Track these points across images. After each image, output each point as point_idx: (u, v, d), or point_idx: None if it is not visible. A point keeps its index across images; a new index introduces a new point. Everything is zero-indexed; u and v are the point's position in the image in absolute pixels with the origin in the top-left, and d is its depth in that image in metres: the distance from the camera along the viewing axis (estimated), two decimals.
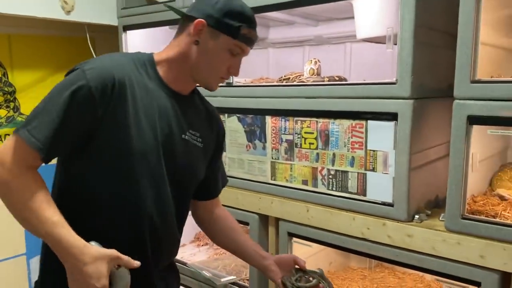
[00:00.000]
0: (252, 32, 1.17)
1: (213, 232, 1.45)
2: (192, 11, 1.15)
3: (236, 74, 1.22)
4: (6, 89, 2.70)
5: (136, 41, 2.56)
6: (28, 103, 2.78)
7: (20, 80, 2.76)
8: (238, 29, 1.12)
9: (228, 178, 1.81)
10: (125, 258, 1.02)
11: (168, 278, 1.32)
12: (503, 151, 1.89)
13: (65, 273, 1.01)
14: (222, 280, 2.11)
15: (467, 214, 1.46)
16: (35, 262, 2.92)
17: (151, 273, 1.20)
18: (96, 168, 1.10)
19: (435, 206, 1.73)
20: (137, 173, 1.10)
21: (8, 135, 2.71)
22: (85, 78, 1.03)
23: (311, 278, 1.35)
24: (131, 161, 1.10)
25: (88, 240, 1.02)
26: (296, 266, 1.38)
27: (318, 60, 1.97)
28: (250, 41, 1.17)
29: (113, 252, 1.01)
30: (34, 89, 2.80)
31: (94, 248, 0.99)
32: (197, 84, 1.26)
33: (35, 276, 2.99)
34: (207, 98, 1.39)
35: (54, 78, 2.87)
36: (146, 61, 1.18)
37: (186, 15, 1.16)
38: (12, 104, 2.73)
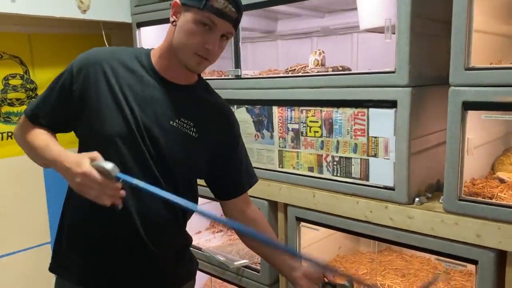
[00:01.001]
0: (221, 2, 1.14)
1: (249, 238, 1.41)
2: None
3: (213, 50, 1.17)
4: (28, 86, 2.84)
5: (149, 37, 2.66)
6: None
7: (41, 77, 2.89)
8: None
9: None
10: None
11: (182, 266, 1.39)
12: (506, 136, 1.93)
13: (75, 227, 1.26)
14: (235, 263, 2.22)
15: (464, 196, 1.52)
16: None
17: (157, 257, 1.27)
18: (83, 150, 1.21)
19: (437, 189, 1.80)
20: (111, 155, 1.15)
21: None
22: (73, 62, 1.24)
23: None
24: (104, 143, 1.19)
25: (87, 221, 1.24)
26: (325, 280, 1.30)
27: (323, 51, 2.03)
28: (219, 12, 1.14)
29: (92, 152, 1.11)
30: None
31: (78, 154, 1.14)
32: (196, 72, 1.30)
33: None
34: (217, 91, 1.42)
35: None
36: (143, 54, 1.27)
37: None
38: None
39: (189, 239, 1.42)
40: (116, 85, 1.20)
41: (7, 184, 2.79)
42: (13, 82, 2.77)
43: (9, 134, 2.78)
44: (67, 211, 1.33)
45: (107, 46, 2.81)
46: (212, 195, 1.46)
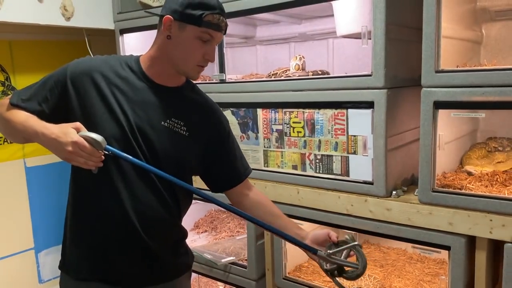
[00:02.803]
0: (217, 17, 1.23)
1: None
2: (163, 10, 1.29)
3: (212, 60, 1.30)
4: (9, 92, 2.84)
5: (132, 44, 2.72)
6: None
7: (22, 84, 2.87)
8: (200, 17, 1.21)
9: None
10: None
11: (179, 257, 1.46)
12: (472, 133, 2.09)
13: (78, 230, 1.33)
14: (223, 260, 2.30)
15: (437, 188, 1.66)
16: (43, 256, 3.08)
17: (154, 250, 1.34)
18: None
19: (411, 183, 1.94)
20: (107, 156, 1.22)
21: None
22: (67, 65, 1.31)
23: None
24: None
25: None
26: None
27: (303, 56, 2.15)
28: (216, 26, 1.24)
29: (75, 123, 1.20)
30: None
31: (61, 125, 1.21)
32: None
33: (43, 270, 3.15)
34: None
35: None
36: (133, 61, 1.35)
37: (159, 15, 1.30)
38: None
39: (184, 232, 1.49)
40: (108, 91, 1.27)
41: None
42: None
43: None
44: (69, 210, 1.39)
45: (90, 52, 2.85)
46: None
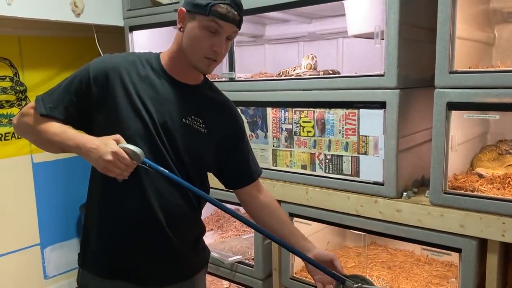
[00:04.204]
0: (224, 7, 1.21)
1: (262, 224, 1.44)
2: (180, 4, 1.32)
3: (219, 51, 1.26)
4: (18, 88, 2.85)
5: (141, 41, 2.72)
6: None
7: (31, 79, 2.91)
8: (207, 6, 1.20)
9: None
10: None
11: (198, 253, 1.46)
12: (483, 135, 2.08)
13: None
14: (230, 259, 2.30)
15: (449, 190, 1.65)
16: (49, 252, 3.09)
17: (177, 247, 1.35)
18: None
19: (421, 185, 1.93)
20: None
21: None
22: (89, 65, 1.30)
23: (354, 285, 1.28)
24: (126, 141, 1.24)
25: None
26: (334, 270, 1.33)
27: (315, 56, 2.15)
28: (224, 16, 1.21)
29: (115, 135, 1.20)
30: (44, 87, 2.95)
31: (101, 137, 1.22)
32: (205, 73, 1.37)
33: (49, 266, 3.16)
34: None
35: (63, 76, 2.93)
36: (153, 58, 1.35)
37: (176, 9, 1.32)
38: (23, 102, 2.89)
39: (203, 227, 1.50)
40: (132, 90, 1.27)
41: None
42: (2, 84, 2.78)
43: None
44: (90, 208, 1.39)
45: (99, 49, 2.86)
46: (237, 200, 1.52)
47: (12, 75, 2.82)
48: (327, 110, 1.91)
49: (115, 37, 2.92)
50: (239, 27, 1.28)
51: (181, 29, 1.28)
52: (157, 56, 1.36)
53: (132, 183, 1.26)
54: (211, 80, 2.12)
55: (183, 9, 1.26)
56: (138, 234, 1.31)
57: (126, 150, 1.17)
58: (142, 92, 1.28)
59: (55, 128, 1.26)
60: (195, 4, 1.23)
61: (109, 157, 1.15)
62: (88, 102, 1.28)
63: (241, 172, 1.48)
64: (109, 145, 1.16)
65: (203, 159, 1.39)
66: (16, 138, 2.86)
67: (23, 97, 2.88)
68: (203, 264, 1.49)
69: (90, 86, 1.27)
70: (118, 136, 1.20)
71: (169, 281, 1.38)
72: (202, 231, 1.49)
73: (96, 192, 1.35)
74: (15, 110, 2.85)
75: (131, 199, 1.29)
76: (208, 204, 1.52)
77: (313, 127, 1.96)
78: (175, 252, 1.36)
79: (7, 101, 2.81)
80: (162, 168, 1.22)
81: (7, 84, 2.80)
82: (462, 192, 1.64)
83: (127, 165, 1.17)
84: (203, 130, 1.35)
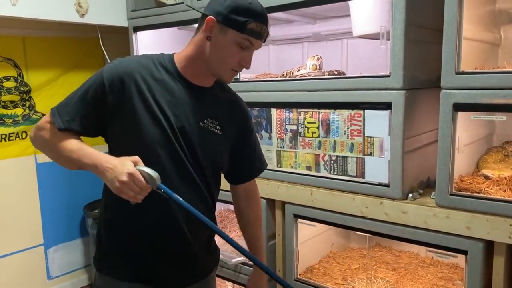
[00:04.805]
0: (260, 26, 1.22)
1: (238, 219, 1.60)
2: (206, 9, 1.28)
3: (247, 66, 1.28)
4: (22, 88, 2.85)
5: (145, 41, 2.72)
6: (43, 101, 2.94)
7: (35, 80, 2.91)
8: (245, 24, 1.20)
9: None
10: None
11: (212, 253, 1.47)
12: (489, 136, 2.07)
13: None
14: (233, 260, 2.29)
15: (455, 191, 1.64)
16: (53, 252, 3.09)
17: (194, 248, 1.35)
18: (124, 153, 1.25)
19: (427, 186, 1.92)
20: (151, 160, 1.22)
21: (25, 132, 2.87)
22: (102, 72, 1.26)
23: None
24: (144, 150, 1.23)
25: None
26: None
27: (320, 57, 2.14)
28: (258, 34, 1.23)
29: (133, 156, 1.18)
30: (48, 88, 2.97)
31: (119, 157, 1.19)
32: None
33: (52, 266, 3.17)
34: None
35: (67, 77, 3.03)
36: (166, 60, 1.32)
37: (202, 13, 1.29)
38: (27, 103, 2.89)
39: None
40: (149, 95, 1.25)
41: (0, 187, 2.79)
42: (7, 84, 2.78)
43: (3, 136, 2.79)
44: (109, 213, 1.36)
45: (103, 49, 2.86)
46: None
47: (16, 76, 2.83)
48: (332, 111, 1.90)
49: (119, 37, 2.92)
50: (265, 41, 1.30)
51: (208, 38, 1.25)
52: (170, 58, 1.33)
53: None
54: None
55: (214, 18, 1.23)
56: (160, 240, 1.31)
57: (142, 173, 1.14)
58: (158, 97, 1.26)
59: (72, 145, 1.24)
60: (231, 19, 1.21)
61: (125, 178, 1.12)
62: (105, 109, 1.26)
63: (246, 168, 1.51)
64: (126, 166, 1.13)
65: (220, 161, 1.40)
66: (20, 139, 2.86)
67: (27, 97, 2.89)
68: (216, 263, 1.51)
69: (106, 93, 1.24)
70: (136, 158, 1.17)
71: (187, 282, 1.39)
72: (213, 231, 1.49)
73: (115, 199, 1.26)
74: (19, 111, 2.85)
75: (153, 206, 1.26)
76: None
77: (318, 128, 1.95)
78: (194, 255, 1.36)
79: (11, 102, 2.82)
80: (176, 196, 1.19)
81: (11, 84, 2.80)
82: (468, 193, 1.63)
83: (141, 188, 1.14)
84: (218, 132, 1.36)
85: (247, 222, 1.57)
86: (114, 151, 1.29)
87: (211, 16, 1.23)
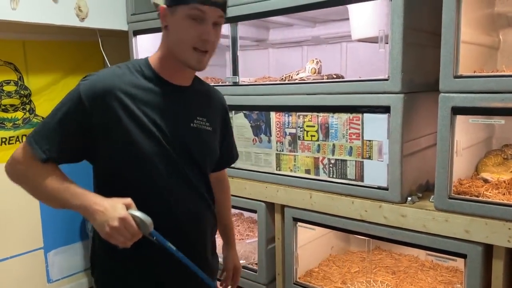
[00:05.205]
0: None
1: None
2: (159, 3, 1.24)
3: (209, 38, 1.17)
4: (22, 92, 2.85)
5: (145, 45, 2.72)
6: (43, 105, 2.94)
7: (35, 84, 2.91)
8: None
9: (236, 169, 1.94)
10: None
11: (214, 256, 1.45)
12: (488, 139, 2.07)
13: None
14: None
15: (454, 195, 1.64)
16: (53, 255, 3.08)
17: (200, 253, 1.33)
18: (117, 173, 1.21)
19: (426, 190, 1.92)
20: (147, 174, 1.20)
21: (25, 135, 2.88)
22: (78, 90, 1.17)
23: None
24: (140, 164, 1.19)
25: None
26: None
27: (320, 61, 2.14)
28: (205, 0, 1.15)
29: (126, 199, 1.11)
30: (48, 91, 2.97)
31: (111, 199, 1.12)
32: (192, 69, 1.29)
33: (52, 270, 3.16)
34: None
35: (67, 81, 3.03)
36: (142, 65, 1.25)
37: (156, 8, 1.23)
38: (28, 107, 2.90)
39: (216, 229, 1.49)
40: (134, 107, 1.19)
41: (0, 190, 2.79)
42: (7, 88, 2.79)
43: (3, 140, 2.80)
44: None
45: (103, 53, 2.86)
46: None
47: (16, 79, 2.83)
48: (331, 114, 1.90)
49: (119, 41, 2.93)
50: (224, 10, 1.20)
51: (166, 27, 1.20)
52: (145, 62, 1.27)
53: (157, 204, 1.23)
54: (214, 84, 2.12)
55: (163, 6, 1.18)
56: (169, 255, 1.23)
57: (134, 218, 1.08)
58: (144, 107, 1.20)
59: (57, 182, 1.16)
60: None
61: (116, 223, 1.06)
62: (89, 132, 1.17)
63: (225, 155, 1.50)
64: (118, 210, 1.07)
65: (216, 156, 1.39)
66: (20, 142, 2.87)
67: (27, 101, 2.89)
68: (218, 266, 1.50)
69: (88, 114, 1.16)
70: (129, 201, 1.11)
71: None
72: (215, 232, 1.48)
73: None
74: (19, 114, 2.85)
75: (160, 221, 1.20)
76: None
77: (317, 131, 1.96)
78: (204, 261, 1.34)
79: (11, 105, 2.82)
80: (169, 244, 1.14)
81: (11, 88, 2.81)
82: (467, 197, 1.63)
83: (132, 234, 1.08)
84: (209, 128, 1.34)
85: (220, 205, 1.53)
86: (105, 174, 1.24)
87: (161, 6, 1.19)
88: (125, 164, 1.21)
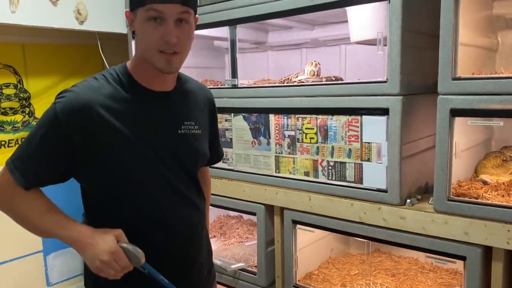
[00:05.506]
0: None
1: None
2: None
3: (170, 39, 1.11)
4: (21, 95, 2.86)
5: None
6: (42, 108, 2.94)
7: (34, 86, 2.92)
8: None
9: (235, 172, 1.93)
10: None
11: (211, 266, 1.44)
12: (487, 141, 2.07)
13: None
14: (232, 266, 2.28)
15: (453, 197, 1.63)
16: (52, 259, 3.08)
17: (201, 266, 1.33)
18: (106, 192, 1.18)
19: (425, 192, 1.92)
20: (141, 191, 1.17)
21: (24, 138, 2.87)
22: (55, 109, 1.10)
23: None
24: (131, 182, 1.16)
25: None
26: None
27: (319, 63, 2.14)
28: None
29: (116, 230, 1.09)
30: (47, 94, 2.97)
31: (101, 230, 1.11)
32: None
33: (52, 273, 3.15)
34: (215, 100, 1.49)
35: (67, 84, 3.04)
36: (120, 73, 1.19)
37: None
38: (27, 110, 2.90)
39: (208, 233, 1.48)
40: (117, 123, 1.13)
41: None
42: (6, 91, 2.79)
43: (3, 143, 2.80)
44: None
45: (102, 56, 2.87)
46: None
47: (16, 82, 2.83)
48: (330, 116, 1.90)
49: (118, 44, 2.93)
50: (186, 4, 1.13)
51: (134, 33, 1.16)
52: (123, 69, 1.21)
53: (151, 219, 1.20)
54: (213, 87, 2.12)
55: (128, 11, 1.16)
56: (170, 268, 1.23)
57: (126, 251, 1.07)
58: (127, 120, 1.14)
59: (42, 211, 1.12)
60: (131, 0, 1.14)
61: (106, 257, 1.04)
62: (72, 152, 1.12)
63: (214, 152, 1.50)
64: (108, 243, 1.05)
65: (206, 157, 1.38)
66: (18, 144, 2.87)
67: (26, 104, 2.89)
68: (215, 275, 1.48)
69: (68, 135, 1.10)
70: (119, 232, 1.09)
71: None
72: (208, 235, 1.47)
73: (110, 221, 1.18)
74: (18, 117, 2.85)
75: (157, 239, 1.21)
76: (211, 211, 1.54)
77: (316, 133, 1.96)
78: (202, 271, 1.35)
79: (10, 108, 2.82)
80: (161, 277, 1.13)
81: (11, 91, 2.81)
82: (466, 199, 1.63)
83: (123, 267, 1.06)
84: (197, 131, 1.30)
85: None
86: (92, 193, 1.21)
87: (126, 10, 1.17)
88: (112, 184, 1.17)
